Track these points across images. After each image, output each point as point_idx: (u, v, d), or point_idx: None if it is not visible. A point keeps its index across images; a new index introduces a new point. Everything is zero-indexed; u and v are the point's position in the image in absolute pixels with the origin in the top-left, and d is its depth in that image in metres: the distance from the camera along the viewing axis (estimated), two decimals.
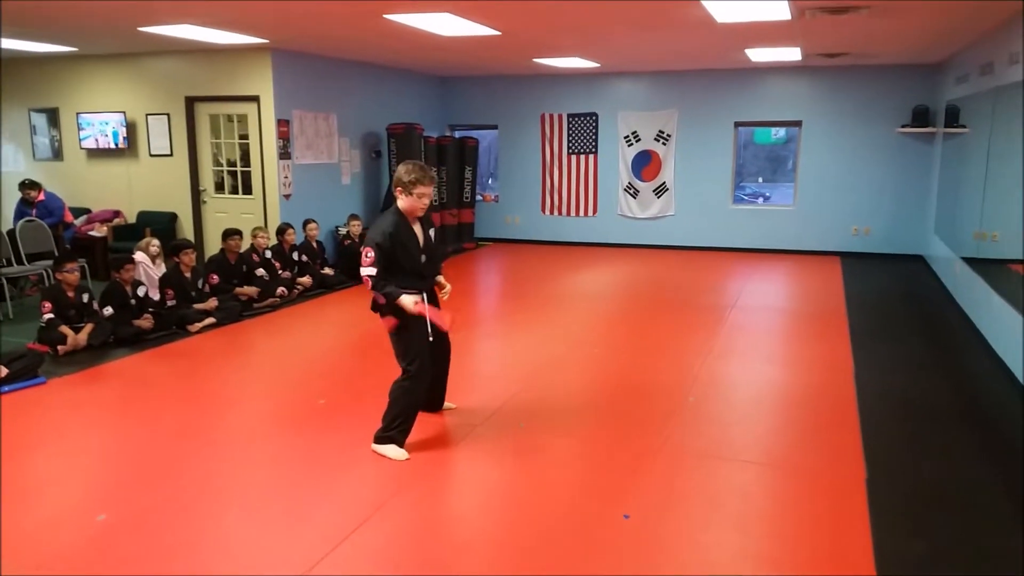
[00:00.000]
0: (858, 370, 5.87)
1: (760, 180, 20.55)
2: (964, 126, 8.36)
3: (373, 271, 4.10)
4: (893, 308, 8.16)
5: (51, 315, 6.28)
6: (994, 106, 6.84)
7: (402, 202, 4.20)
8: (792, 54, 9.57)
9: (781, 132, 18.68)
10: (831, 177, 11.38)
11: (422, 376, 4.27)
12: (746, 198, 16.98)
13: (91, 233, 9.78)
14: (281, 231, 8.80)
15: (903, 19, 6.88)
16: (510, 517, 3.65)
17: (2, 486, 3.92)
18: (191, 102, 9.74)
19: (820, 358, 6.25)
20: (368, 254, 4.10)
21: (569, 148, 12.61)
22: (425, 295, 4.30)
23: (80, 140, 10.22)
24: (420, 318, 4.20)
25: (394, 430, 4.23)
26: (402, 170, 4.18)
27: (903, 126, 10.84)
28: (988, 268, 6.80)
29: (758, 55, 9.65)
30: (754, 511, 3.71)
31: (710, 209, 12.02)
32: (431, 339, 4.28)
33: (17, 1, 6.13)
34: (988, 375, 5.84)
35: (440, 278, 4.49)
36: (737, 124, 11.82)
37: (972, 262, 7.42)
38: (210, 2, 6.23)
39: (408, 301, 4.10)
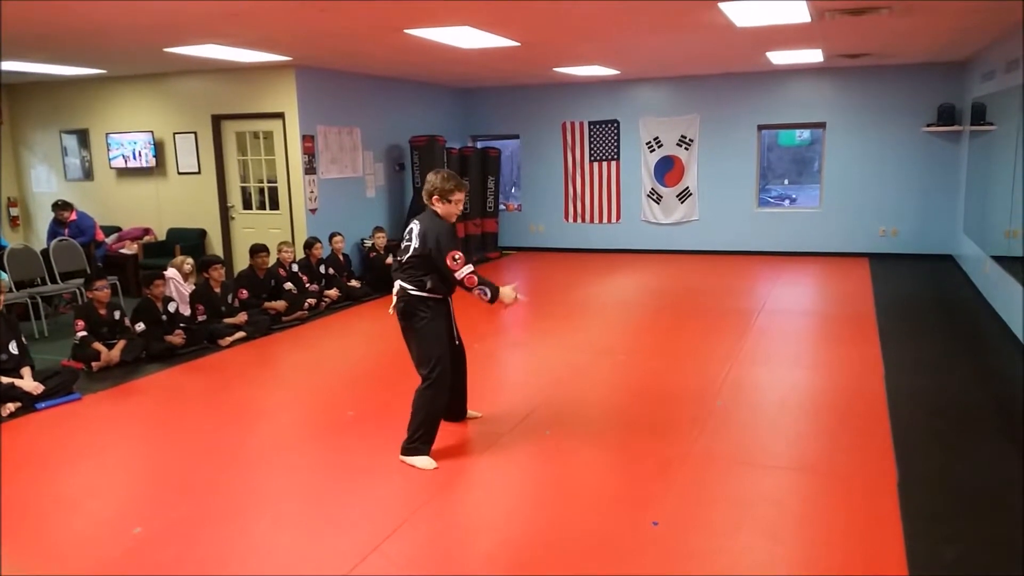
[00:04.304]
0: (888, 372, 5.81)
1: (786, 182, 20.37)
2: (991, 123, 8.26)
3: (471, 267, 4.21)
4: (923, 309, 8.07)
5: (84, 332, 6.39)
6: (1022, 102, 6.75)
7: (439, 208, 4.30)
8: (814, 56, 9.51)
9: (806, 134, 18.52)
10: (857, 178, 11.28)
11: (443, 383, 4.31)
12: (772, 201, 16.84)
13: (122, 251, 9.95)
14: (308, 245, 8.90)
15: (924, 18, 6.82)
16: (538, 525, 3.66)
17: (38, 500, 4.01)
18: (217, 120, 9.89)
19: (849, 361, 6.19)
20: (456, 256, 4.17)
21: (591, 155, 12.61)
22: (450, 299, 4.43)
23: (110, 160, 10.41)
24: (448, 322, 4.37)
25: (418, 440, 4.26)
26: (437, 178, 4.29)
27: (929, 125, 10.72)
28: (1020, 267, 6.70)
29: (779, 57, 9.60)
30: (784, 516, 3.69)
31: (735, 213, 11.95)
32: (457, 342, 4.38)
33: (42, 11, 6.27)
34: (1021, 376, 5.75)
35: None
36: (760, 127, 11.75)
37: (1003, 260, 7.32)
38: None
39: (509, 293, 4.34)
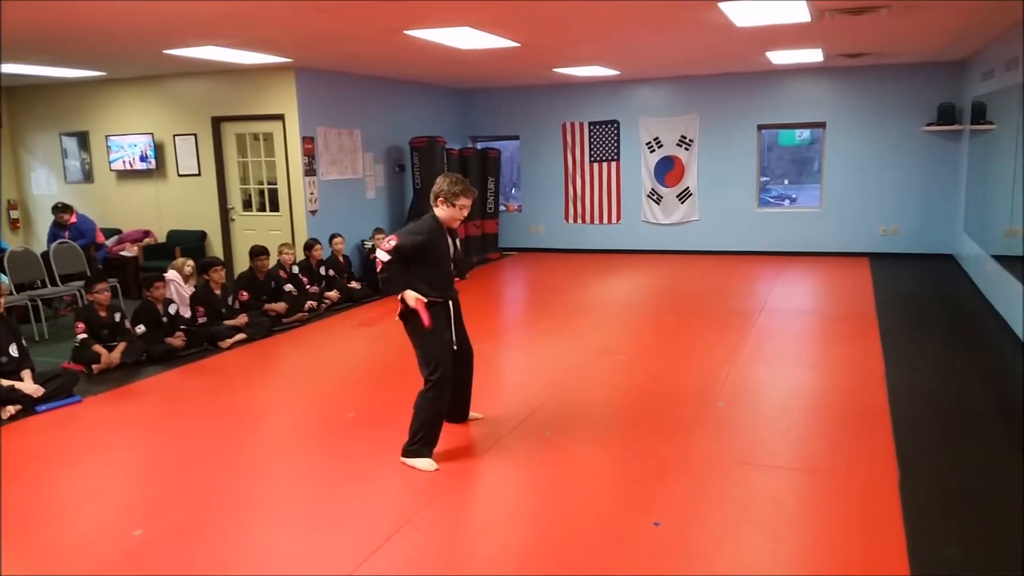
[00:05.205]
0: (889, 372, 5.80)
1: (786, 182, 20.38)
2: (991, 122, 8.26)
3: (387, 257, 4.12)
4: (923, 308, 8.06)
5: (85, 335, 6.38)
6: (1022, 101, 6.75)
7: (442, 211, 4.30)
8: (814, 55, 9.51)
9: (806, 134, 18.52)
10: (857, 178, 11.28)
11: (445, 385, 4.31)
12: (772, 201, 16.85)
13: (122, 253, 9.95)
14: (308, 247, 8.90)
15: (924, 17, 6.82)
16: (539, 527, 3.66)
17: (39, 503, 4.01)
18: (217, 122, 9.89)
19: (850, 361, 6.19)
20: (390, 241, 4.15)
21: (591, 156, 12.61)
22: (451, 303, 4.41)
23: (110, 162, 10.41)
24: (448, 324, 4.33)
25: (418, 442, 4.26)
26: (445, 181, 4.30)
27: (928, 124, 10.72)
28: (1020, 265, 6.69)
29: (779, 57, 9.60)
30: (785, 517, 3.68)
31: (735, 213, 11.95)
32: (455, 347, 4.35)
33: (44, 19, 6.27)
34: (1021, 375, 5.74)
35: None
36: (760, 127, 11.75)
37: (1003, 260, 7.31)
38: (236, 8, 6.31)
39: (410, 296, 4.16)
